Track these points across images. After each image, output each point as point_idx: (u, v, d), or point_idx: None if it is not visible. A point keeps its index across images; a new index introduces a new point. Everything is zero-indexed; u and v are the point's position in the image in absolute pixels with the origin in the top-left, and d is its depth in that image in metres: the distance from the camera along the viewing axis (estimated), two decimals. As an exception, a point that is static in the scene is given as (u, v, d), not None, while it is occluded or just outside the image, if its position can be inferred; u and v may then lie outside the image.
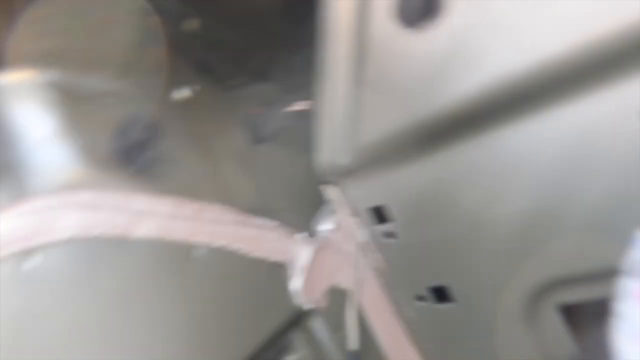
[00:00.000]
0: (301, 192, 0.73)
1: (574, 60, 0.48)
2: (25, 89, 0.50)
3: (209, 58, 0.68)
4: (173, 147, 0.59)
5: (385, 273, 0.73)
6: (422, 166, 0.63)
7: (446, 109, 0.56)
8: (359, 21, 0.57)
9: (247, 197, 0.66)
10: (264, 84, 0.73)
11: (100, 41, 0.53)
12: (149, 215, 0.56)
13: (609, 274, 0.57)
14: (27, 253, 0.48)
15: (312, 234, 0.72)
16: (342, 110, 0.62)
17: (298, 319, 0.69)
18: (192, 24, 0.66)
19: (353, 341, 0.70)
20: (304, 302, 0.68)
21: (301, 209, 0.72)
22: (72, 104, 0.52)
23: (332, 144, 0.65)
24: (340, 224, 0.71)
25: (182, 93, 0.61)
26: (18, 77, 0.50)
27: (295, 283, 0.68)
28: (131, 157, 0.54)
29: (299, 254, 0.69)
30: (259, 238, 0.65)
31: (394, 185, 0.66)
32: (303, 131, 0.71)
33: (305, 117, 0.69)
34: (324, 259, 0.70)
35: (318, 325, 0.71)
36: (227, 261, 0.62)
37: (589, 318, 0.65)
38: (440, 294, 0.70)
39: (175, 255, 0.58)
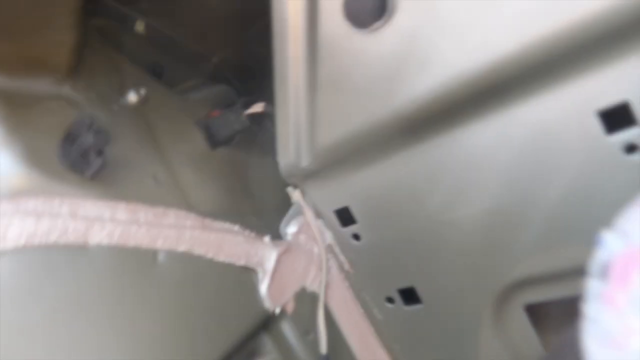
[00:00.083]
0: (263, 195, 0.73)
1: (525, 59, 0.48)
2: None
3: (158, 61, 0.67)
4: (125, 151, 0.58)
5: (352, 275, 0.72)
6: (382, 167, 0.62)
7: (401, 109, 0.55)
8: (309, 22, 0.56)
9: (206, 202, 0.65)
10: (217, 87, 0.72)
11: (38, 44, 0.52)
12: (105, 221, 0.55)
13: (573, 273, 0.56)
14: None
15: (278, 236, 0.71)
16: (298, 112, 0.62)
17: (267, 322, 0.68)
18: (138, 26, 0.65)
19: (323, 344, 0.69)
20: (272, 305, 0.67)
21: (264, 212, 0.71)
22: (13, 109, 0.50)
23: (291, 147, 0.64)
24: (305, 226, 0.71)
25: (132, 97, 0.60)
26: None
27: (262, 287, 0.67)
28: (81, 162, 0.53)
29: (264, 257, 0.68)
30: (222, 242, 0.64)
31: (355, 187, 0.65)
32: (262, 133, 0.71)
33: (263, 120, 0.69)
34: (290, 262, 0.70)
35: (287, 329, 0.70)
36: (193, 266, 0.61)
37: (554, 317, 0.64)
38: (409, 296, 0.69)
39: (139, 261, 0.57)
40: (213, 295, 0.62)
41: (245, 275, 0.66)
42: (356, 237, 0.69)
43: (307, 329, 0.70)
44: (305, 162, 0.65)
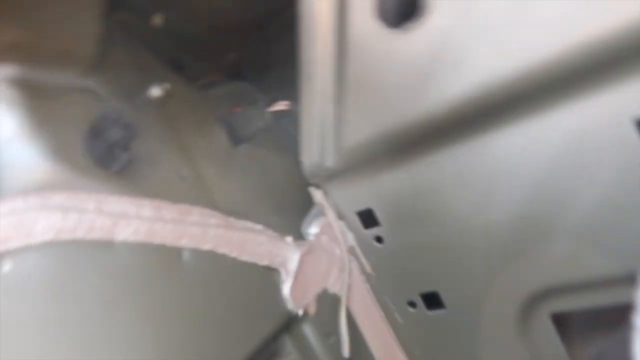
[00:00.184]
0: (285, 194, 0.72)
1: (563, 65, 0.47)
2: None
3: (178, 55, 0.66)
4: (150, 147, 0.58)
5: (373, 278, 0.71)
6: (408, 170, 0.61)
7: (432, 112, 0.54)
8: (339, 20, 0.55)
9: (229, 199, 0.64)
10: (236, 83, 0.71)
11: (64, 35, 0.51)
12: (131, 218, 0.55)
13: (603, 283, 0.55)
14: (4, 256, 0.47)
15: (299, 236, 0.70)
16: (324, 111, 0.61)
17: (289, 324, 0.67)
18: (157, 20, 0.64)
19: (345, 348, 0.68)
20: (294, 306, 0.66)
21: (286, 211, 0.70)
22: (39, 101, 0.49)
23: (316, 146, 0.63)
24: (327, 227, 0.70)
25: (156, 91, 0.59)
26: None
27: (285, 287, 0.66)
28: (107, 157, 0.52)
29: (287, 257, 0.67)
30: (245, 241, 0.64)
31: (380, 189, 0.64)
32: (284, 131, 0.70)
33: (285, 117, 0.68)
34: (312, 263, 0.69)
35: (308, 331, 0.69)
36: (217, 265, 0.60)
37: (581, 327, 0.63)
38: (432, 300, 0.68)
39: (164, 259, 0.56)
40: (237, 294, 0.62)
41: (268, 276, 0.65)
42: (379, 239, 0.68)
43: (328, 332, 0.69)
44: (329, 162, 0.64)
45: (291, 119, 0.65)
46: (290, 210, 0.71)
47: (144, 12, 0.63)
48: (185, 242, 0.58)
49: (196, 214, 0.61)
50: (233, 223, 0.64)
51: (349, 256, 0.70)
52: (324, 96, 0.60)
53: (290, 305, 0.66)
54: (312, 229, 0.70)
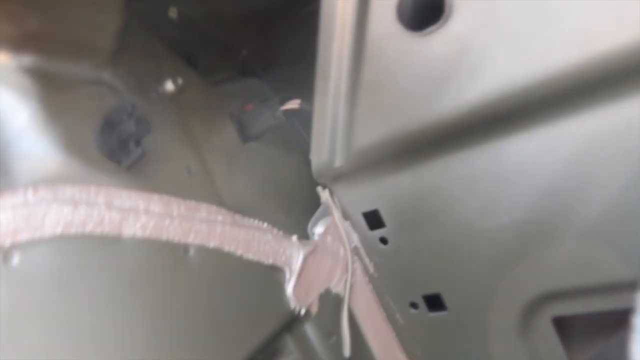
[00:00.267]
0: (292, 193, 0.71)
1: (580, 75, 0.48)
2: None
3: (190, 50, 0.65)
4: (161, 142, 0.57)
5: (376, 279, 0.72)
6: (417, 173, 0.61)
7: (445, 115, 0.55)
8: (359, 20, 0.55)
9: (236, 196, 0.64)
10: (248, 80, 0.71)
11: (82, 26, 0.50)
12: (139, 213, 0.54)
13: (606, 288, 0.56)
14: (13, 248, 0.46)
15: (305, 235, 0.70)
16: (337, 111, 0.61)
17: (291, 323, 0.67)
18: (172, 13, 0.63)
19: (347, 347, 0.68)
20: (297, 305, 0.66)
21: (292, 210, 0.70)
22: (53, 92, 0.48)
23: (326, 146, 0.63)
24: (332, 227, 0.70)
25: (170, 86, 0.58)
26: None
27: (289, 286, 0.66)
28: (120, 151, 0.51)
29: (291, 256, 0.67)
30: (251, 239, 0.63)
31: (387, 191, 0.64)
32: (294, 130, 0.70)
33: (296, 116, 0.67)
34: (316, 262, 0.69)
35: (310, 330, 0.69)
36: (222, 262, 0.60)
37: (582, 331, 0.64)
38: (434, 302, 0.69)
39: (170, 254, 0.55)
40: (241, 292, 0.61)
41: (272, 274, 0.65)
42: (383, 240, 0.68)
43: (329, 332, 0.69)
44: (338, 162, 0.64)
45: (302, 118, 0.64)
46: (296, 209, 0.70)
47: (160, 5, 0.62)
48: (192, 239, 0.58)
49: (204, 210, 0.60)
50: (239, 220, 0.63)
51: (353, 257, 0.70)
52: (337, 95, 0.60)
53: (293, 304, 0.66)
54: (318, 229, 0.70)
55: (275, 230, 0.66)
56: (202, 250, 0.58)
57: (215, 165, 0.63)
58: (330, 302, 0.70)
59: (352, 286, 0.70)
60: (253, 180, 0.68)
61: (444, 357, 0.70)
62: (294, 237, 0.67)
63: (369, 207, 0.67)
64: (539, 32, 0.48)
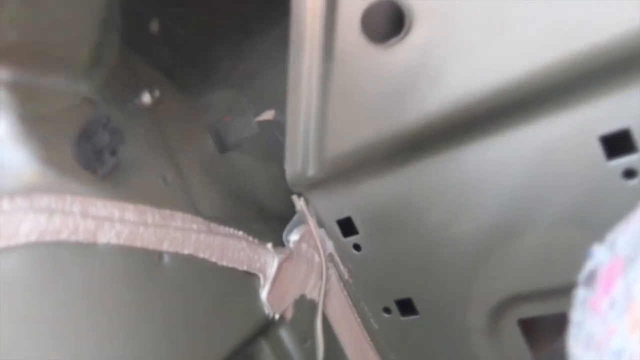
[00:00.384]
0: (268, 202, 0.73)
1: (532, 84, 0.50)
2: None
3: (170, 63, 0.67)
4: (136, 152, 0.58)
5: (351, 285, 0.74)
6: (386, 180, 0.64)
7: (410, 125, 0.57)
8: (326, 34, 0.58)
9: (212, 205, 0.66)
10: (227, 92, 0.73)
11: (59, 40, 0.52)
12: (114, 221, 0.55)
13: (567, 289, 0.58)
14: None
15: (281, 243, 0.72)
16: (308, 122, 0.63)
17: (266, 328, 0.68)
18: (153, 26, 0.65)
19: (320, 352, 0.70)
20: (271, 311, 0.68)
21: (268, 218, 0.72)
22: (30, 104, 0.50)
23: (299, 155, 0.65)
24: (307, 234, 0.72)
25: (146, 98, 0.61)
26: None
27: (263, 292, 0.68)
28: (95, 161, 0.53)
29: (266, 263, 0.69)
30: (225, 247, 0.65)
31: (359, 198, 0.66)
32: (269, 141, 0.72)
33: (272, 127, 0.70)
34: (291, 269, 0.70)
35: (285, 335, 0.71)
36: (196, 269, 0.61)
37: (546, 331, 0.66)
38: (406, 307, 0.70)
39: (145, 261, 0.57)
40: (215, 298, 0.63)
41: (247, 280, 0.66)
42: (357, 247, 0.70)
43: (304, 337, 0.71)
44: (311, 171, 0.66)
45: (281, 128, 0.67)
46: (273, 217, 0.72)
47: (140, 17, 0.64)
48: (166, 246, 0.59)
49: (179, 219, 0.62)
50: (214, 228, 0.65)
51: (327, 263, 0.72)
52: (308, 106, 0.62)
53: (267, 309, 0.67)
54: (293, 236, 0.71)
55: (250, 238, 0.68)
56: (177, 257, 0.60)
57: (191, 174, 0.65)
58: (306, 308, 0.71)
59: (326, 292, 0.72)
60: (229, 189, 0.70)
61: (417, 361, 0.72)
62: (269, 245, 0.69)
63: (342, 215, 0.69)
64: (495, 43, 0.50)
